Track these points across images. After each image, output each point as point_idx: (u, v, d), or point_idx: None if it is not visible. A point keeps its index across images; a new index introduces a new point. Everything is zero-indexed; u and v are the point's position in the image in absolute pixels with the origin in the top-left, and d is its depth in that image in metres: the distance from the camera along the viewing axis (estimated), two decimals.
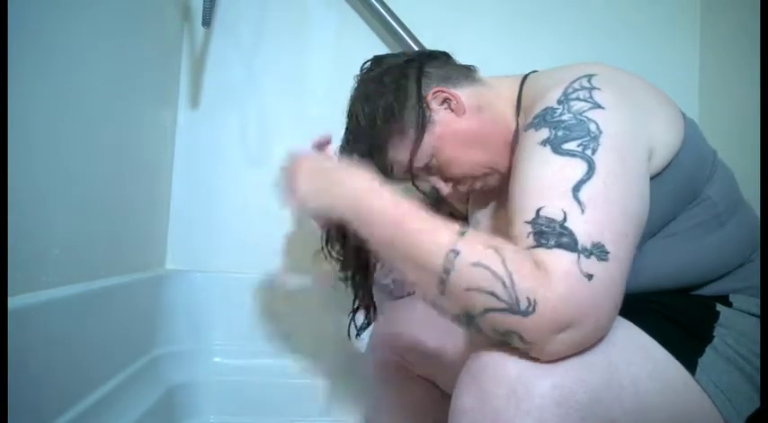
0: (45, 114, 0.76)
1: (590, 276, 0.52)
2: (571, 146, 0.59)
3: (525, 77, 0.81)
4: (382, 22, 1.24)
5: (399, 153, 0.80)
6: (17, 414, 0.64)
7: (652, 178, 0.64)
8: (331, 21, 1.31)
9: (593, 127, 0.60)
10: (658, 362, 0.60)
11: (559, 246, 0.53)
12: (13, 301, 0.66)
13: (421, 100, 0.79)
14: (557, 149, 0.59)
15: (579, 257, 0.52)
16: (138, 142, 1.10)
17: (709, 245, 0.69)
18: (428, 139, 0.79)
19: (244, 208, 1.28)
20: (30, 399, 0.69)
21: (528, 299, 0.51)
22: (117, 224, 1.01)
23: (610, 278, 0.53)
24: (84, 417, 0.81)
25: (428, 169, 0.82)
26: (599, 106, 0.62)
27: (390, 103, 0.79)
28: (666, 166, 0.66)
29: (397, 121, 0.79)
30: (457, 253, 0.54)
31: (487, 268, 0.53)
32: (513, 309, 0.51)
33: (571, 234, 0.53)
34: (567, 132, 0.60)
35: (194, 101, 1.29)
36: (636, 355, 0.59)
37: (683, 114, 0.72)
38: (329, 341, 1.27)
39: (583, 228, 0.53)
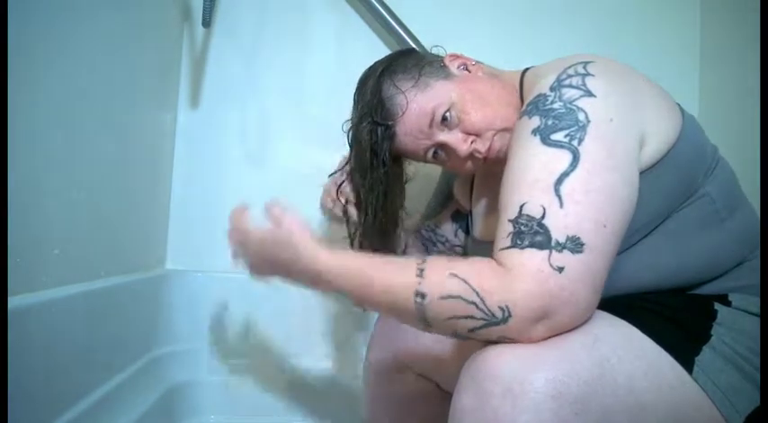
0: (45, 114, 0.76)
1: (560, 269, 0.55)
2: (559, 136, 0.60)
3: (526, 70, 0.82)
4: (382, 22, 1.24)
5: (420, 104, 0.78)
6: (17, 414, 0.64)
7: (647, 170, 0.64)
8: (331, 21, 1.31)
9: (581, 116, 0.61)
10: (653, 360, 0.60)
11: (532, 245, 0.56)
12: (13, 301, 0.66)
13: (439, 61, 0.83)
14: (545, 140, 0.61)
15: (551, 253, 0.56)
16: (139, 142, 1.10)
17: (707, 242, 0.69)
18: (448, 87, 0.79)
19: None
20: (30, 399, 0.69)
21: (501, 308, 0.55)
22: (117, 224, 1.01)
23: (585, 267, 0.56)
24: (84, 416, 0.81)
25: (448, 124, 0.78)
26: (590, 94, 0.62)
27: (409, 66, 0.80)
28: (662, 158, 0.65)
29: (417, 78, 0.79)
30: (423, 295, 0.59)
31: (458, 297, 0.57)
32: (493, 322, 0.56)
33: (546, 231, 0.56)
34: (557, 122, 0.61)
35: (194, 101, 1.29)
36: (630, 352, 0.60)
37: (683, 109, 0.71)
38: (329, 341, 1.27)
39: (561, 222, 0.57)
